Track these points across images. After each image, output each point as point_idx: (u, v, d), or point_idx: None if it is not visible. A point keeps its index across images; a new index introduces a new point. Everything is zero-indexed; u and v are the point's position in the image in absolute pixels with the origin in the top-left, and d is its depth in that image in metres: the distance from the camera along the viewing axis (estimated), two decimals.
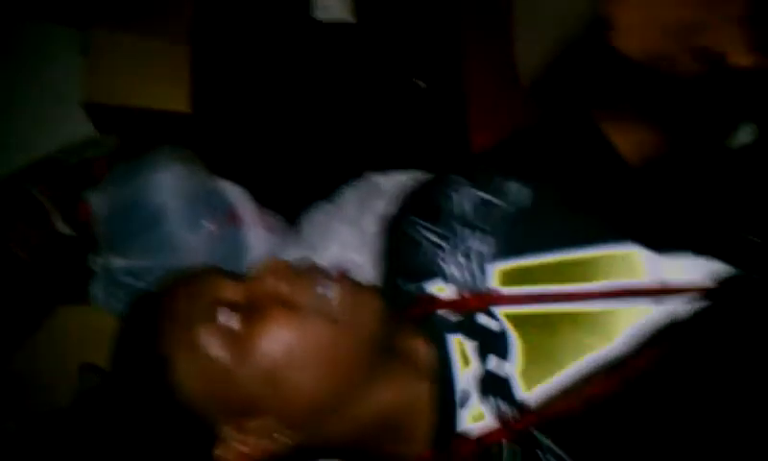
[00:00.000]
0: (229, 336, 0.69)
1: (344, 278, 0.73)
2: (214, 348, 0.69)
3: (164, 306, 0.72)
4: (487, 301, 0.76)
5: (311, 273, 0.73)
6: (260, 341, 0.69)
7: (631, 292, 0.73)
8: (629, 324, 0.72)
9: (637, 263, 0.75)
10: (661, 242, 0.75)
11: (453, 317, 0.78)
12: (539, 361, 0.73)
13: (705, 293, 0.73)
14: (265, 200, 1.42)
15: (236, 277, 0.74)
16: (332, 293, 0.71)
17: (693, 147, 0.92)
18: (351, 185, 1.20)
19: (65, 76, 1.53)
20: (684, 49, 0.72)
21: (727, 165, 0.88)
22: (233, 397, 0.70)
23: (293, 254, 1.12)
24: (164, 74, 1.49)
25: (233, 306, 0.70)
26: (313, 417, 0.72)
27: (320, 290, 0.71)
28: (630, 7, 0.78)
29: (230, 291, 0.72)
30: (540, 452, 0.70)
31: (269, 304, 0.70)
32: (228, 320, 0.69)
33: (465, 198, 0.85)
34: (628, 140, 0.88)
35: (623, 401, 0.69)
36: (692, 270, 0.74)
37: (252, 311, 0.70)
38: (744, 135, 0.88)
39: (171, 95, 1.48)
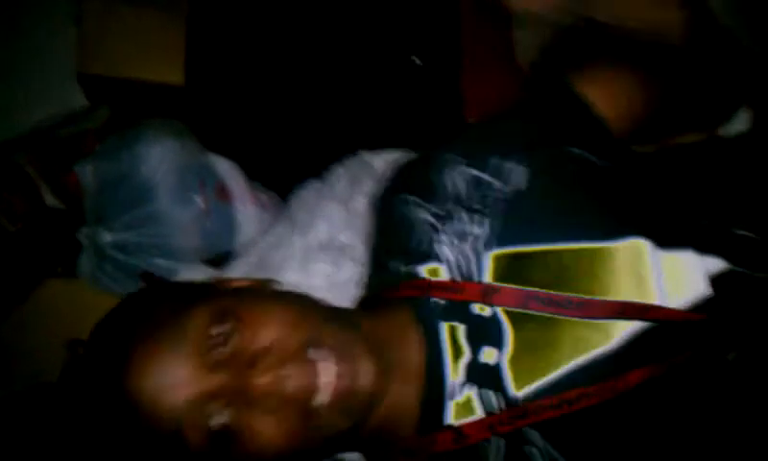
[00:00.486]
0: (217, 435, 0.67)
1: (339, 369, 0.69)
2: (197, 437, 0.67)
3: (141, 371, 0.67)
4: (485, 295, 0.73)
5: (301, 378, 0.68)
6: (248, 450, 0.68)
7: (634, 312, 0.70)
8: (628, 325, 0.70)
9: (643, 256, 0.72)
10: (664, 236, 0.73)
11: (449, 304, 0.76)
12: (534, 355, 0.71)
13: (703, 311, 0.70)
14: (257, 175, 1.40)
15: (216, 358, 0.68)
16: (325, 400, 0.68)
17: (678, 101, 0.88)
18: (343, 163, 1.18)
19: (58, 46, 1.50)
20: None
21: (721, 156, 0.85)
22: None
23: (283, 233, 1.10)
24: (158, 45, 1.47)
25: (225, 400, 0.67)
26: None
27: (313, 402, 0.68)
28: None
29: (221, 389, 0.67)
30: (527, 448, 0.68)
31: (258, 418, 0.67)
32: (222, 426, 0.67)
33: (459, 176, 0.81)
34: (611, 100, 0.84)
35: (616, 409, 0.67)
36: (692, 267, 0.72)
37: (243, 420, 0.67)
38: (739, 123, 0.85)
39: (165, 67, 1.46)
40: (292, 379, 0.67)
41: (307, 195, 1.13)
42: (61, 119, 1.45)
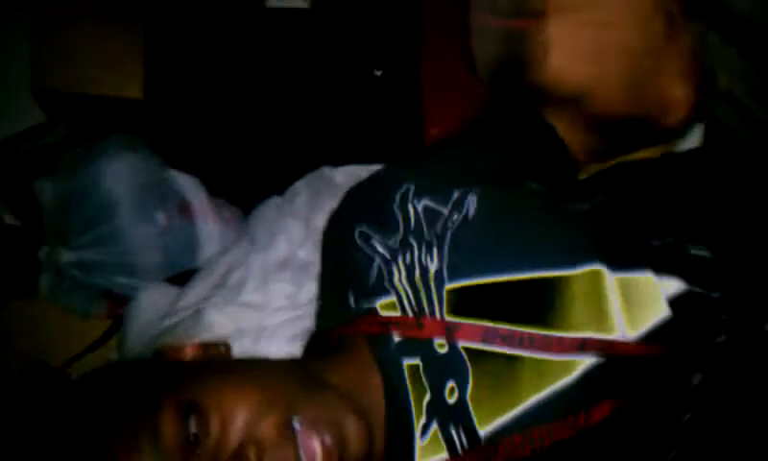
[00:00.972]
0: None
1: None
2: None
3: None
4: (447, 331, 0.71)
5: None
6: None
7: (594, 348, 0.69)
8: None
9: (601, 282, 0.71)
10: (620, 258, 0.73)
11: (408, 341, 0.73)
12: (495, 391, 0.69)
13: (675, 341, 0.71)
14: (220, 191, 1.39)
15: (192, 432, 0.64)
16: None
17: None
18: (304, 179, 1.17)
19: (14, 61, 1.48)
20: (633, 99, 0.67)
21: (674, 172, 0.86)
22: None
23: (242, 253, 1.09)
24: (116, 60, 1.45)
25: None
26: None
27: None
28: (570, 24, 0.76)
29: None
30: None
31: None
32: None
33: (416, 208, 0.79)
34: (573, 138, 0.85)
35: (582, 445, 0.67)
36: (651, 288, 0.72)
37: None
38: (693, 138, 0.86)
39: (123, 81, 1.45)
40: None
41: (267, 212, 1.13)
42: (18, 135, 1.43)
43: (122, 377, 0.72)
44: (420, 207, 0.78)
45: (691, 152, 0.85)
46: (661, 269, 0.72)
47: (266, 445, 0.63)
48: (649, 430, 0.68)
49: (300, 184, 1.16)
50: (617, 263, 0.72)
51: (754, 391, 0.70)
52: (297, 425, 0.64)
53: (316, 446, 0.64)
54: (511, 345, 0.69)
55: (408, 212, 0.78)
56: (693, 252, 0.74)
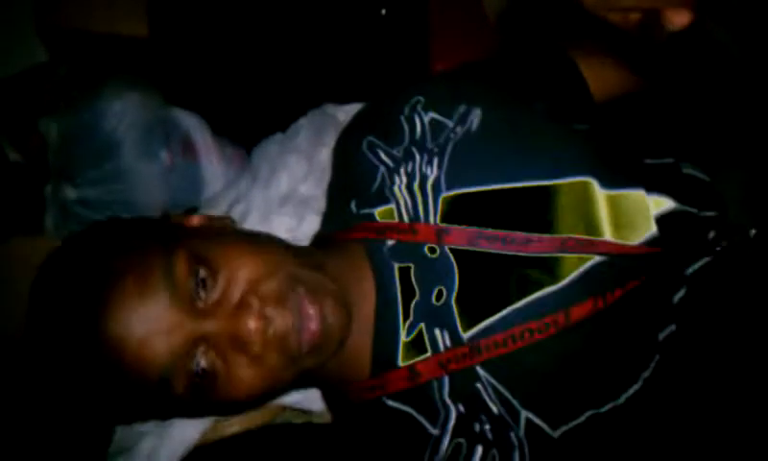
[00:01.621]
0: (198, 379, 0.67)
1: (314, 321, 0.69)
2: (182, 389, 0.67)
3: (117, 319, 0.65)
4: (437, 235, 0.74)
5: (282, 321, 0.69)
6: (230, 395, 0.68)
7: (576, 246, 0.70)
8: (578, 266, 0.71)
9: (589, 194, 0.73)
10: (612, 175, 0.73)
11: (401, 245, 0.76)
12: (481, 295, 0.72)
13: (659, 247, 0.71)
14: (224, 129, 1.38)
15: (199, 306, 0.67)
16: (304, 340, 0.69)
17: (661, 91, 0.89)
18: (307, 116, 1.16)
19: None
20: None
21: (673, 95, 0.85)
22: (207, 404, 0.72)
23: (245, 188, 1.09)
24: None
25: (207, 344, 0.67)
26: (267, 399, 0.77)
27: (292, 343, 0.68)
28: None
29: (205, 332, 0.67)
30: (478, 385, 0.70)
31: (240, 364, 0.68)
32: (199, 364, 0.67)
33: (422, 119, 0.81)
34: (596, 76, 0.86)
35: (560, 344, 0.68)
36: (641, 205, 0.73)
37: (224, 366, 0.68)
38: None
39: (127, 18, 1.43)
40: (277, 322, 0.68)
41: (269, 148, 1.12)
42: (23, 74, 1.42)
43: (137, 224, 0.76)
44: (426, 119, 0.80)
45: (691, 77, 0.85)
46: (654, 187, 0.72)
47: (270, 299, 0.68)
48: (630, 331, 0.69)
49: (302, 121, 1.15)
50: (609, 179, 0.73)
51: (736, 305, 0.70)
52: (294, 293, 0.69)
53: (312, 311, 0.69)
54: (494, 245, 0.71)
55: (414, 123, 0.81)
56: (687, 171, 0.74)
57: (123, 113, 1.29)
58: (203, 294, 0.68)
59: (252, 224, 1.02)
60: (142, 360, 0.65)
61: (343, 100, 1.22)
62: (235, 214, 1.04)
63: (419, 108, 0.82)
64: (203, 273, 0.68)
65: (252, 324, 0.66)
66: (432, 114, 0.81)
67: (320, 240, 0.87)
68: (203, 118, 1.35)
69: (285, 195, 1.04)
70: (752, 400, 0.71)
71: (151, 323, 0.65)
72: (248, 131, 1.36)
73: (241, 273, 0.69)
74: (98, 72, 1.36)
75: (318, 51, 1.38)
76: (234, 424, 0.95)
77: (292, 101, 1.27)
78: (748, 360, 0.71)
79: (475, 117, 0.79)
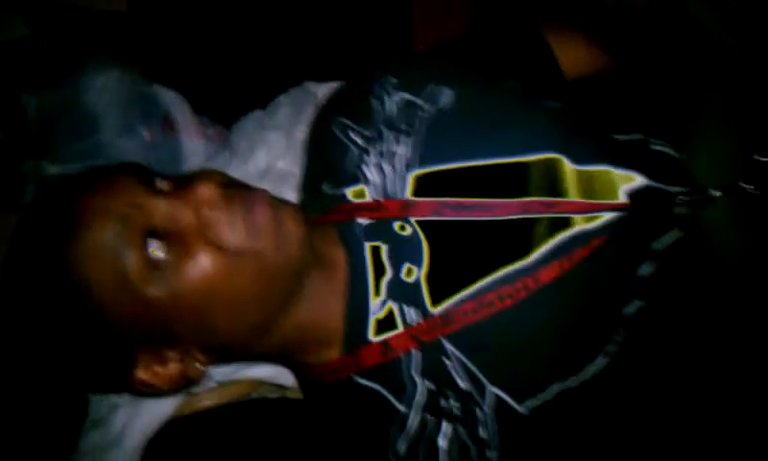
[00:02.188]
0: (156, 267, 0.66)
1: (269, 206, 0.69)
2: (140, 278, 0.65)
3: (80, 214, 0.65)
4: (403, 208, 0.74)
5: (239, 197, 0.68)
6: (187, 280, 0.66)
7: (539, 208, 0.71)
8: (547, 239, 0.71)
9: (559, 170, 0.73)
10: (581, 152, 0.74)
11: (370, 223, 0.77)
12: (450, 271, 0.72)
13: (623, 209, 0.71)
14: (204, 108, 1.37)
15: (159, 187, 0.68)
16: (258, 222, 0.68)
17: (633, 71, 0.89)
18: (287, 94, 1.16)
19: None
20: None
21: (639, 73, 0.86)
22: (155, 326, 0.68)
23: (222, 163, 1.09)
24: None
25: (161, 234, 0.66)
26: (232, 345, 0.73)
27: (246, 220, 0.67)
28: None
29: (158, 213, 0.66)
30: (446, 360, 0.70)
31: (196, 242, 0.66)
32: (157, 251, 0.66)
33: (393, 100, 0.82)
34: (567, 55, 0.87)
35: (529, 309, 0.69)
36: (610, 181, 0.73)
37: (180, 244, 0.66)
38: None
39: None
40: (231, 200, 0.67)
41: (248, 124, 1.12)
42: (1, 47, 1.41)
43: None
44: (396, 99, 0.81)
45: (662, 57, 0.85)
46: (623, 163, 0.73)
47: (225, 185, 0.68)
48: (593, 297, 0.70)
49: (282, 98, 1.15)
50: (579, 155, 0.73)
51: (706, 284, 0.71)
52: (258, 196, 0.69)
53: (264, 204, 0.69)
54: (459, 213, 0.72)
55: (385, 103, 0.81)
56: (656, 147, 0.75)
57: (103, 89, 1.29)
58: (158, 185, 0.68)
59: None
60: (95, 219, 0.65)
61: (324, 78, 1.22)
62: None
63: (389, 88, 0.82)
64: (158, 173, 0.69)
65: (209, 187, 0.66)
66: (402, 94, 0.82)
67: None
68: (183, 95, 1.35)
69: (263, 170, 1.04)
70: (720, 377, 0.71)
71: (113, 192, 0.66)
72: (228, 109, 1.35)
73: (214, 175, 0.69)
74: (79, 48, 1.35)
75: (300, 28, 1.38)
76: (209, 399, 0.95)
77: (273, 79, 1.27)
78: (716, 338, 0.71)
79: (446, 96, 0.79)
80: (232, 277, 0.67)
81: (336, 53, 1.37)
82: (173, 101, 1.33)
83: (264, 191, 0.71)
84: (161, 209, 0.66)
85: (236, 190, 0.69)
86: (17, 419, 1.06)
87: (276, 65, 1.39)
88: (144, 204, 0.66)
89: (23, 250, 0.68)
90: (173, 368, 0.71)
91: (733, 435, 0.71)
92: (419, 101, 0.80)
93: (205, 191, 0.66)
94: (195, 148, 1.31)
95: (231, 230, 0.67)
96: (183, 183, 0.68)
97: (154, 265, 0.65)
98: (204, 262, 0.66)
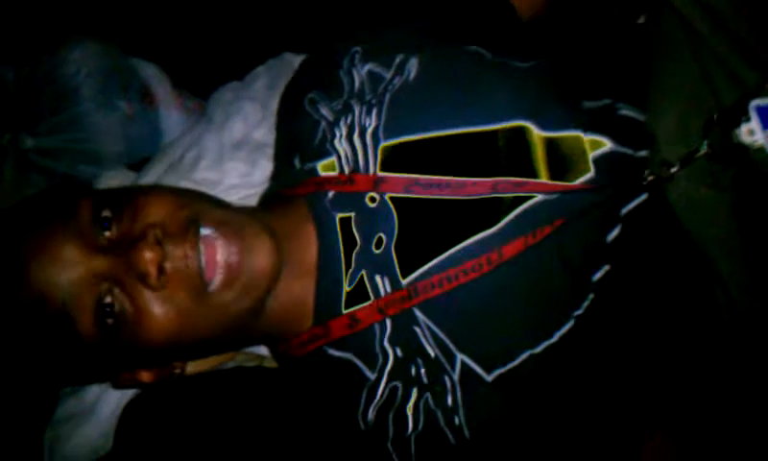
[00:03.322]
0: (112, 324, 0.66)
1: (230, 248, 0.68)
2: (94, 339, 0.66)
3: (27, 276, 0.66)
4: (374, 184, 0.74)
5: (187, 252, 0.67)
6: (147, 337, 0.67)
7: (507, 187, 0.71)
8: (515, 208, 0.71)
9: (527, 137, 0.73)
10: (549, 118, 0.74)
11: (341, 196, 0.77)
12: (419, 241, 0.72)
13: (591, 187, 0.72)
14: (182, 81, 1.37)
15: (104, 235, 0.68)
16: (218, 273, 0.68)
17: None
18: (265, 64, 1.16)
19: None
20: None
21: (608, 37, 0.86)
22: (127, 361, 0.72)
23: (199, 133, 1.09)
24: None
25: (112, 280, 0.66)
26: (207, 350, 0.78)
27: (201, 277, 0.67)
28: None
29: (104, 274, 0.66)
30: (416, 329, 0.71)
31: (151, 302, 0.66)
32: (109, 316, 0.66)
33: (361, 72, 0.82)
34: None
35: (495, 280, 0.69)
36: (578, 147, 0.73)
37: (131, 301, 0.66)
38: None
39: None
40: (176, 253, 0.66)
41: (225, 94, 1.12)
42: None
43: (56, 192, 0.76)
44: (363, 71, 0.81)
45: (628, 25, 0.85)
46: (591, 128, 0.73)
47: (171, 232, 0.66)
48: (561, 268, 0.70)
49: (260, 69, 1.15)
50: (547, 121, 0.73)
51: (669, 244, 0.71)
52: (204, 230, 0.68)
53: (217, 244, 0.68)
54: (430, 191, 0.72)
55: (353, 76, 0.81)
56: (623, 112, 0.75)
57: (82, 62, 1.28)
58: (106, 233, 0.67)
59: (205, 169, 1.02)
60: (43, 294, 0.65)
61: (303, 49, 1.21)
62: (188, 159, 1.04)
63: (357, 60, 0.82)
64: (106, 213, 0.68)
65: (146, 254, 0.64)
66: (369, 65, 0.81)
67: (266, 200, 0.87)
68: (162, 69, 1.34)
69: (239, 141, 1.04)
70: (684, 335, 0.72)
71: (52, 262, 0.65)
72: (208, 82, 1.34)
73: (147, 210, 0.68)
74: (58, 21, 1.34)
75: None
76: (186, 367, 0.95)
77: (251, 51, 1.26)
78: (680, 298, 0.72)
79: (413, 67, 0.79)
80: (196, 323, 0.68)
81: (315, 24, 1.36)
82: (152, 74, 1.33)
83: (229, 219, 0.71)
84: (103, 270, 0.66)
85: (185, 240, 0.67)
86: None
87: (255, 36, 1.38)
88: (84, 270, 0.65)
89: None
90: (155, 370, 0.75)
91: (691, 391, 0.72)
92: (386, 73, 0.80)
93: (147, 260, 0.64)
94: (174, 121, 1.31)
95: (184, 288, 0.67)
96: (127, 230, 0.67)
97: (111, 329, 0.66)
98: (162, 319, 0.66)
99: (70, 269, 0.65)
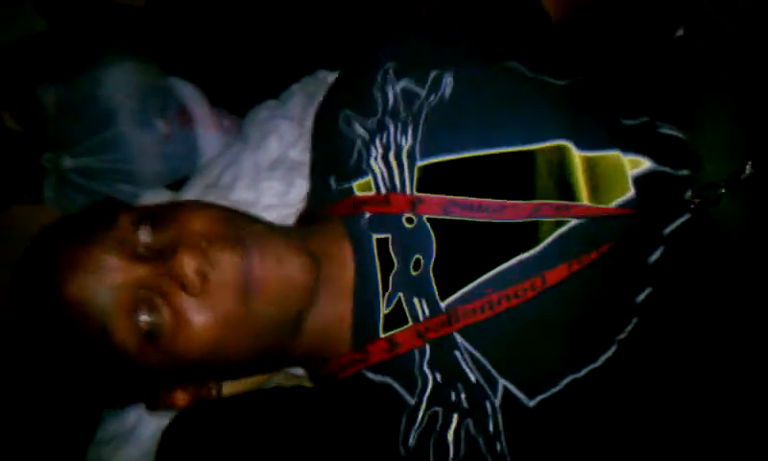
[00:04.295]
0: (150, 335, 0.66)
1: (269, 260, 0.68)
2: (135, 350, 0.66)
3: (62, 288, 0.65)
4: (411, 205, 0.74)
5: (230, 258, 0.67)
6: (182, 344, 0.66)
7: (549, 211, 0.70)
8: (555, 230, 0.70)
9: (567, 157, 0.72)
10: (588, 137, 0.73)
11: (377, 218, 0.76)
12: (458, 263, 0.71)
13: (634, 209, 0.70)
14: (220, 100, 1.38)
15: (143, 241, 0.67)
16: (256, 283, 0.67)
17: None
18: (300, 82, 1.16)
19: None
20: None
21: (649, 55, 0.85)
22: (164, 377, 0.71)
23: (236, 152, 1.09)
24: None
25: (149, 302, 0.66)
26: (245, 369, 0.76)
27: (239, 285, 0.66)
28: None
29: (142, 283, 0.66)
30: (457, 353, 0.70)
31: (190, 309, 0.65)
32: (146, 323, 0.66)
33: (395, 89, 0.81)
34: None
35: (539, 307, 0.68)
36: (618, 167, 0.72)
37: (171, 309, 0.66)
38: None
39: None
40: (224, 259, 0.66)
41: (261, 113, 1.12)
42: (20, 41, 1.42)
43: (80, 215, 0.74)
44: (398, 89, 0.80)
45: (671, 39, 0.84)
46: (631, 147, 0.72)
47: (212, 243, 0.66)
48: (605, 294, 0.69)
49: (295, 87, 1.15)
50: (585, 141, 0.72)
51: (712, 265, 0.70)
52: (245, 242, 0.67)
53: (255, 260, 0.67)
54: (469, 212, 0.71)
55: (387, 93, 0.80)
56: (663, 130, 0.73)
57: (120, 82, 1.30)
58: (147, 242, 0.67)
59: (242, 189, 1.02)
60: (83, 308, 0.65)
61: (337, 67, 1.21)
62: (226, 180, 1.04)
63: (390, 76, 0.81)
64: (146, 223, 0.67)
65: (188, 261, 0.64)
66: (404, 82, 0.81)
67: (302, 219, 0.87)
68: (199, 88, 1.35)
69: (275, 160, 1.04)
70: (727, 358, 0.71)
71: (91, 271, 0.65)
72: (244, 101, 1.35)
73: (189, 221, 0.68)
74: (95, 41, 1.36)
75: (313, 17, 1.38)
76: (225, 387, 0.96)
77: (287, 69, 1.27)
78: (723, 320, 0.71)
79: (448, 84, 0.78)
80: (234, 334, 0.67)
81: (348, 42, 1.37)
82: (189, 93, 1.34)
83: (268, 234, 0.71)
84: (141, 278, 0.65)
85: (226, 248, 0.67)
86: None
87: (290, 55, 1.39)
88: (121, 278, 0.65)
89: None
90: (192, 391, 0.74)
91: (739, 419, 0.70)
92: (421, 90, 0.80)
93: (187, 265, 0.64)
94: (211, 139, 1.32)
95: (222, 295, 0.66)
96: (168, 241, 0.67)
97: (146, 336, 0.66)
98: (200, 327, 0.66)
99: (109, 277, 0.65)
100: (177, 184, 1.27)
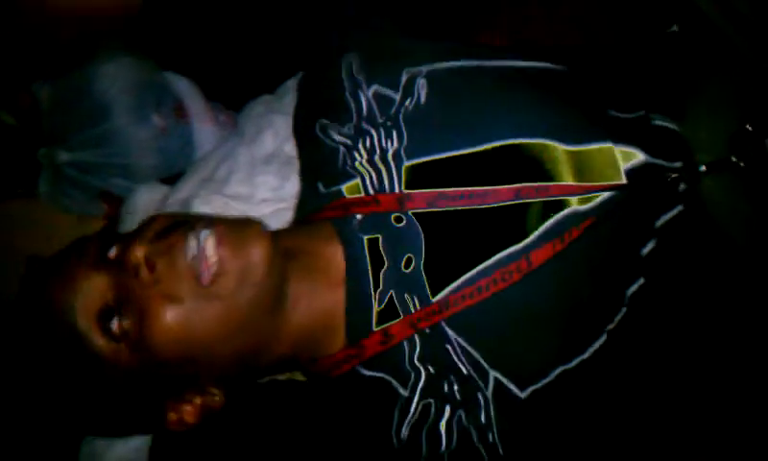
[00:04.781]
0: (123, 337, 0.68)
1: (222, 240, 0.70)
2: (112, 354, 0.69)
3: (46, 307, 0.71)
4: (399, 202, 0.75)
5: (178, 245, 0.70)
6: (154, 339, 0.68)
7: (530, 193, 0.71)
8: (541, 223, 0.71)
9: (554, 153, 0.73)
10: (578, 131, 0.74)
11: (368, 219, 0.77)
12: (447, 258, 0.73)
13: (619, 188, 0.71)
14: (216, 95, 1.38)
15: (110, 255, 0.71)
16: (209, 264, 0.68)
17: None
18: (295, 78, 1.16)
19: None
20: None
21: (640, 47, 0.85)
22: (156, 381, 0.72)
23: (231, 147, 1.09)
24: None
25: (115, 306, 0.69)
26: (239, 371, 0.75)
27: (192, 268, 0.69)
28: None
29: (104, 289, 0.69)
30: (448, 346, 0.71)
31: (150, 301, 0.68)
32: (116, 325, 0.69)
33: (368, 95, 0.82)
34: None
35: (526, 289, 0.69)
36: (609, 159, 0.73)
37: (135, 308, 0.68)
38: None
39: None
40: (169, 249, 0.69)
41: (256, 108, 1.13)
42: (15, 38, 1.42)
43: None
44: (369, 94, 0.81)
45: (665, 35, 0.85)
46: (624, 140, 0.73)
47: (160, 232, 0.71)
48: (593, 279, 0.70)
49: (290, 83, 1.15)
50: (572, 136, 0.73)
51: (705, 258, 0.70)
52: (195, 229, 0.70)
53: (209, 246, 0.69)
54: (455, 202, 0.72)
55: (360, 100, 0.81)
56: (657, 122, 0.74)
57: (115, 77, 1.30)
58: (111, 253, 0.71)
59: (237, 183, 1.02)
60: (57, 319, 0.69)
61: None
62: (221, 174, 1.05)
63: (360, 81, 0.82)
64: (113, 239, 0.72)
65: (135, 249, 0.68)
66: (375, 87, 0.81)
67: (293, 226, 0.89)
68: (195, 83, 1.36)
69: (270, 154, 1.04)
70: (717, 349, 0.71)
71: (62, 288, 0.70)
72: (239, 95, 1.36)
73: (149, 228, 0.71)
74: (91, 35, 1.36)
75: (309, 13, 1.38)
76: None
77: (282, 64, 1.27)
78: (716, 312, 0.71)
79: (422, 86, 0.79)
80: (201, 321, 0.69)
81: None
82: (184, 88, 1.34)
83: (219, 221, 0.72)
84: (106, 284, 0.69)
85: (176, 237, 0.70)
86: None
87: (286, 50, 1.39)
88: (88, 286, 0.69)
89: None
90: (198, 401, 0.75)
91: (730, 409, 0.71)
92: (394, 95, 0.80)
93: (136, 254, 0.68)
94: (206, 134, 1.32)
95: (179, 282, 0.68)
96: (129, 248, 0.70)
97: (120, 338, 0.68)
98: (163, 318, 0.68)
99: (76, 288, 0.69)
100: (171, 179, 1.28)
